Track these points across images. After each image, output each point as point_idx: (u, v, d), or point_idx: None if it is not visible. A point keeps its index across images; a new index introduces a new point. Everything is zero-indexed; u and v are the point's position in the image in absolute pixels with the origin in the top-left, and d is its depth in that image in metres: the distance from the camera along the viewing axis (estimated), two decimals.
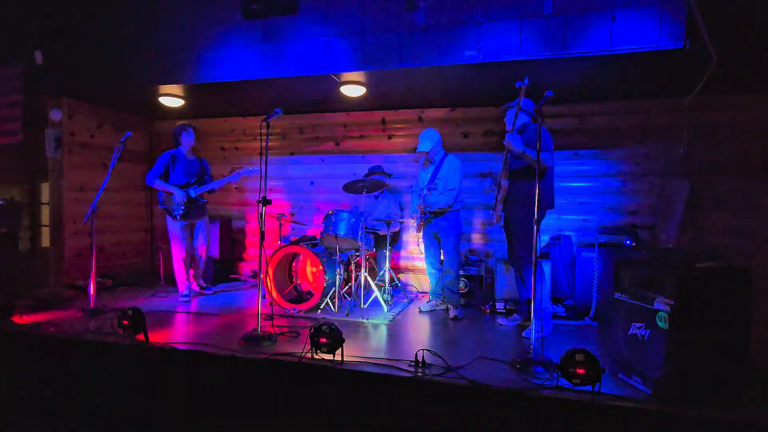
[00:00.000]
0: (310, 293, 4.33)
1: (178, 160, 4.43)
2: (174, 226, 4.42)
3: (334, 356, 2.69)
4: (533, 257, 2.80)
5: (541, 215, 3.27)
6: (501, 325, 3.75)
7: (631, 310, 2.48)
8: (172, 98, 4.93)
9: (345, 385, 2.60)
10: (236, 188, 5.90)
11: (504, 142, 3.25)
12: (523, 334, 3.37)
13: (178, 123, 4.52)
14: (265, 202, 3.18)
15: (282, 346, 3.01)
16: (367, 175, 4.72)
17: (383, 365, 2.66)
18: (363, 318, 3.84)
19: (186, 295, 4.48)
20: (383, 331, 3.56)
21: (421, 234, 4.20)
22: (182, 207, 4.33)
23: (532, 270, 3.18)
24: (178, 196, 4.30)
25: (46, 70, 4.53)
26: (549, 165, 3.23)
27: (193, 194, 4.38)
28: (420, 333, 3.61)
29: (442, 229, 4.02)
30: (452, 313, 3.96)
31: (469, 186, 4.96)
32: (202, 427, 2.84)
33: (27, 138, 4.66)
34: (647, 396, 2.29)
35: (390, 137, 5.39)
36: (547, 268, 4.00)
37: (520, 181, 3.33)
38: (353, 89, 4.36)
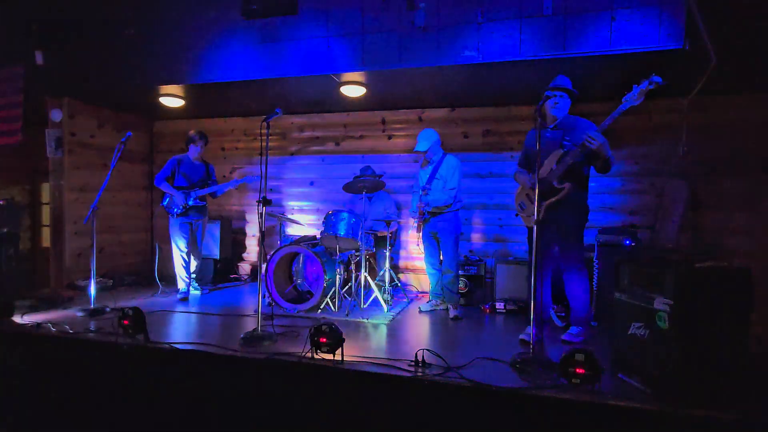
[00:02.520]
0: (310, 293, 4.33)
1: (183, 164, 4.58)
2: (173, 224, 4.55)
3: (334, 356, 2.69)
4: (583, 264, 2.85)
5: (586, 221, 3.20)
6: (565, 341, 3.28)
7: (631, 310, 2.48)
8: (172, 98, 4.93)
9: (345, 385, 2.60)
10: (236, 188, 5.91)
11: (592, 140, 2.82)
12: (563, 337, 3.26)
13: (193, 131, 4.63)
14: (266, 202, 3.18)
15: (282, 346, 3.01)
16: (357, 177, 4.69)
17: (383, 365, 2.66)
18: (363, 318, 3.84)
19: (185, 294, 4.54)
20: (383, 331, 3.56)
21: (420, 234, 4.20)
22: (180, 207, 4.48)
23: (583, 276, 3.14)
24: (179, 198, 4.46)
25: (46, 70, 4.53)
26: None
27: (192, 196, 4.51)
28: (420, 333, 3.61)
29: (441, 229, 4.02)
30: (452, 313, 3.96)
31: (469, 186, 4.96)
32: (202, 427, 2.84)
33: (27, 138, 4.66)
34: (647, 396, 2.29)
35: (390, 137, 5.39)
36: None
37: (578, 186, 3.08)
38: (353, 89, 4.37)
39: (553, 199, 3.02)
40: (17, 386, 3.25)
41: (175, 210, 4.49)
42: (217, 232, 5.45)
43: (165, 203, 4.56)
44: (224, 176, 5.86)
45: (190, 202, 4.50)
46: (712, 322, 2.19)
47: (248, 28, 3.99)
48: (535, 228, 2.71)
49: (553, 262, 3.39)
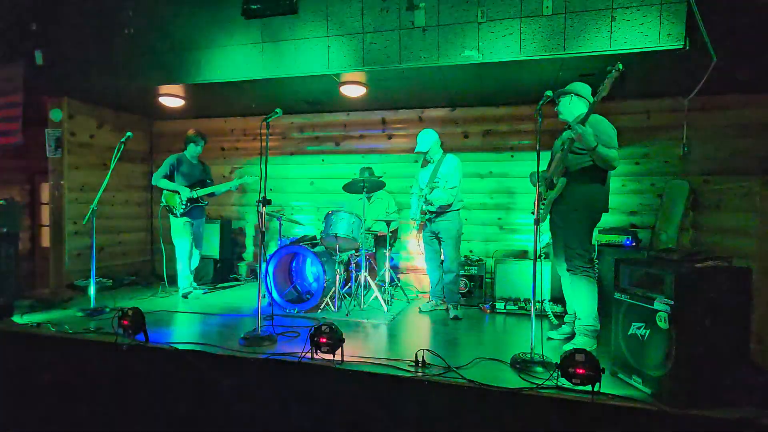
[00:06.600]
0: (310, 293, 4.33)
1: (182, 163, 4.57)
2: (176, 224, 4.51)
3: (334, 356, 2.69)
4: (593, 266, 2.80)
5: (597, 219, 3.08)
6: (550, 339, 3.33)
7: (631, 310, 2.48)
8: (172, 98, 4.93)
9: (345, 385, 2.60)
10: (236, 190, 5.90)
11: (573, 135, 2.83)
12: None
13: (192, 131, 4.65)
14: (265, 202, 3.18)
15: (282, 346, 3.01)
16: (356, 177, 4.67)
17: (383, 365, 2.66)
18: (363, 318, 3.84)
19: (186, 293, 4.53)
20: (383, 331, 3.56)
21: (421, 234, 4.21)
22: (184, 205, 4.44)
23: (587, 279, 3.03)
24: (184, 194, 4.44)
25: (46, 70, 4.53)
26: (616, 166, 2.91)
27: (195, 195, 4.50)
28: (420, 333, 3.61)
29: (442, 229, 4.01)
30: (452, 313, 3.96)
31: (469, 186, 4.95)
32: (202, 427, 2.84)
33: (27, 138, 4.66)
34: (647, 396, 2.29)
35: (390, 137, 5.39)
36: (547, 267, 4.01)
37: (578, 181, 3.00)
38: (353, 89, 4.37)
39: (553, 195, 3.08)
40: (17, 386, 3.25)
41: (178, 210, 4.44)
42: (217, 232, 5.44)
43: (165, 202, 4.51)
44: (224, 176, 5.86)
45: (195, 195, 4.48)
46: (712, 322, 2.19)
47: (248, 28, 3.98)
48: (535, 228, 2.72)
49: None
